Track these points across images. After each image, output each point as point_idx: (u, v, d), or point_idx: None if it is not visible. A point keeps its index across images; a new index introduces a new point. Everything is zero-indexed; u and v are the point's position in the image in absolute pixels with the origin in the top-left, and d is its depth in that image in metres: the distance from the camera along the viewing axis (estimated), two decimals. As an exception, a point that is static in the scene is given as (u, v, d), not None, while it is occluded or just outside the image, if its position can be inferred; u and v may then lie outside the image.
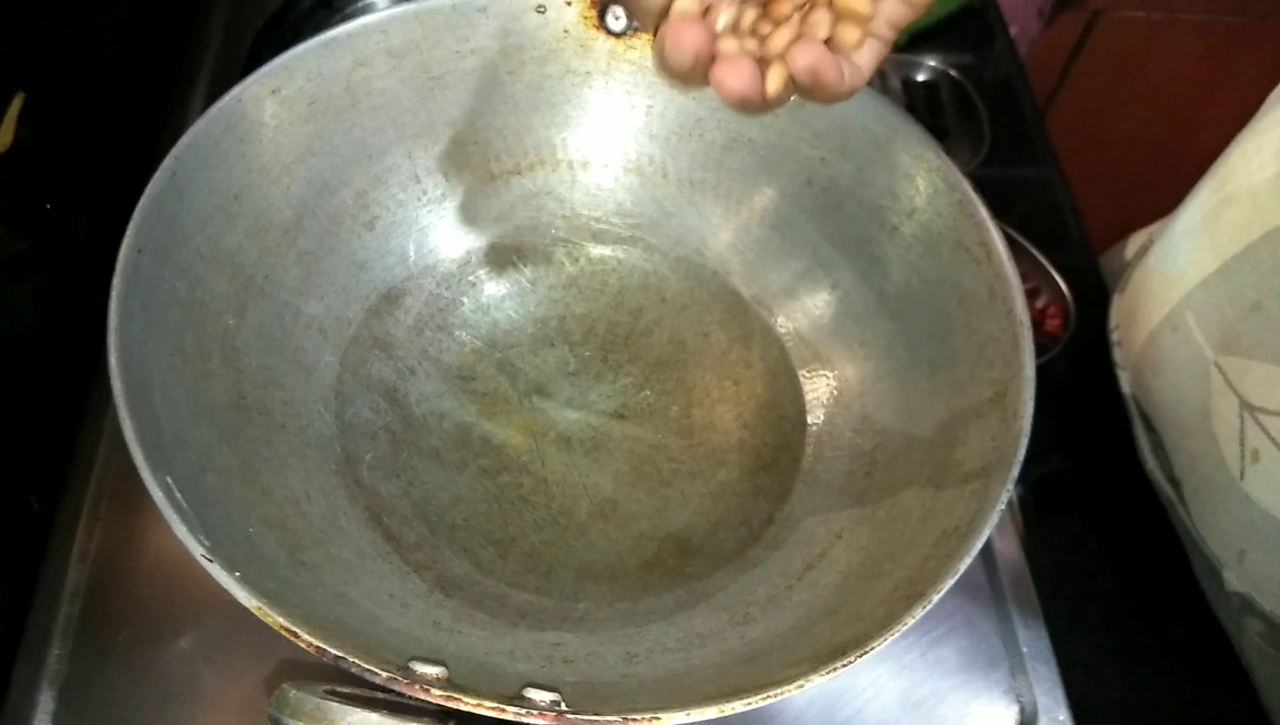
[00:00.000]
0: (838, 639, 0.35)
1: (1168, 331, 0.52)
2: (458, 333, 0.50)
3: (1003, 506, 0.36)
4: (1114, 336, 0.60)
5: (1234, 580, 0.49)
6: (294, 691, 0.28)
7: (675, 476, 0.46)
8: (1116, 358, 0.59)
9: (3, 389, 0.47)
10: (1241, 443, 0.46)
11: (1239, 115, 0.53)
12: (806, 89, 0.32)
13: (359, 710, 0.27)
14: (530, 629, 0.40)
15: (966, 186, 0.44)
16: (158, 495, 0.32)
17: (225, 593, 0.31)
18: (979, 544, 0.35)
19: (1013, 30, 0.91)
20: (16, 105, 0.49)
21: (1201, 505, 0.50)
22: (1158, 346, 0.53)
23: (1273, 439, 0.44)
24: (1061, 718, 0.46)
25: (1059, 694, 0.46)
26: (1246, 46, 1.01)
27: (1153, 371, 0.53)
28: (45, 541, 0.48)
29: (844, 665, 0.32)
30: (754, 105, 0.32)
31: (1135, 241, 0.65)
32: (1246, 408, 0.45)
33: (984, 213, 0.43)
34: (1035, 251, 0.72)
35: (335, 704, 0.27)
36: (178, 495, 0.33)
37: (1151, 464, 0.55)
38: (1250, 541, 0.47)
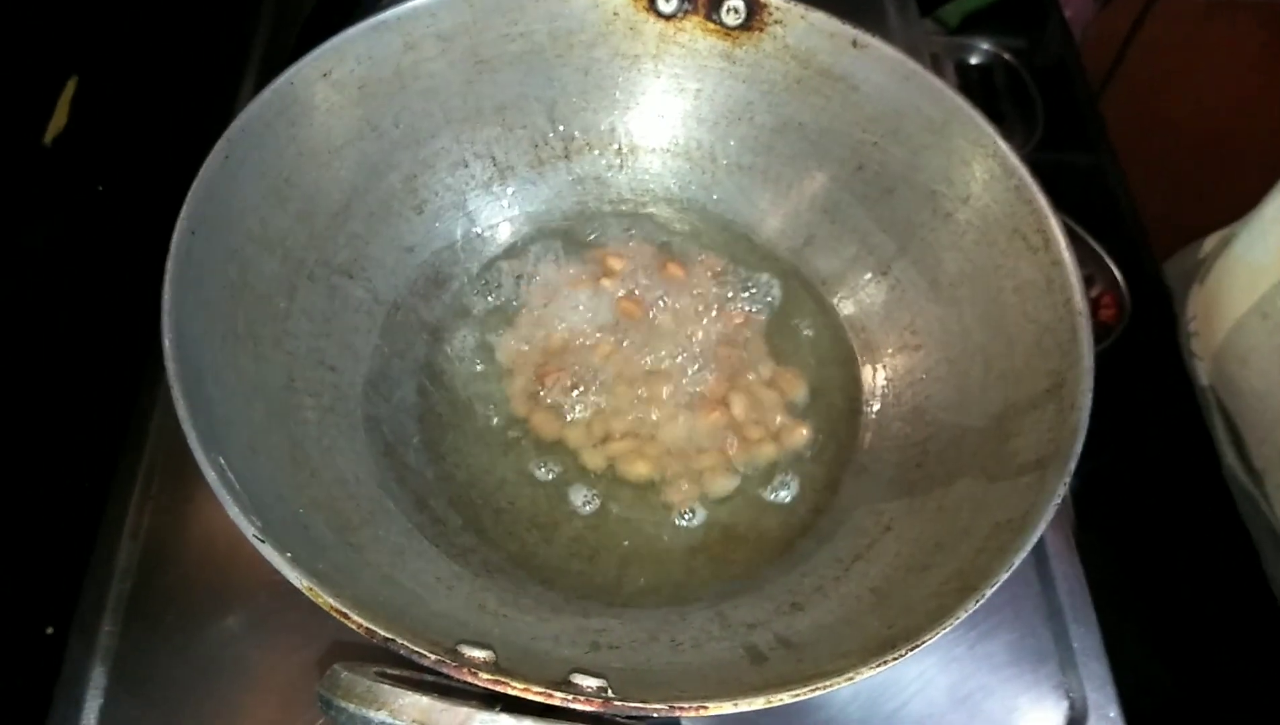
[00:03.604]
0: (887, 631, 0.35)
1: (1257, 319, 0.51)
2: (504, 316, 0.50)
3: (1059, 500, 0.35)
4: (1191, 327, 0.58)
5: None
6: (345, 673, 0.28)
7: (721, 463, 0.46)
8: (1194, 348, 0.58)
9: (56, 371, 0.48)
10: None
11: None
12: None
13: (410, 693, 0.27)
14: (575, 614, 0.40)
15: (1024, 172, 0.43)
16: (211, 476, 0.32)
17: (274, 573, 0.31)
18: (1034, 537, 0.34)
19: (1067, 13, 0.89)
20: (70, 89, 0.50)
21: None
22: (1244, 335, 0.52)
23: None
24: (1112, 714, 0.45)
25: (1110, 690, 0.45)
26: (1309, 31, 0.98)
27: (1239, 361, 0.52)
28: (98, 520, 0.49)
29: (895, 659, 0.32)
30: None
31: (1210, 242, 0.63)
32: None
33: (1042, 200, 0.42)
34: (1090, 239, 0.71)
35: (386, 686, 0.27)
36: (230, 476, 0.33)
37: (1231, 457, 0.54)
38: None
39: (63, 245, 0.50)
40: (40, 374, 0.47)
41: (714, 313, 0.50)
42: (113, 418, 0.52)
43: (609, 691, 0.30)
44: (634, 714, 0.30)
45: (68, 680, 0.44)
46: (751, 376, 0.48)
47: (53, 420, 0.48)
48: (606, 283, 0.50)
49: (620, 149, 0.52)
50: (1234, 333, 0.52)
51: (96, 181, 0.52)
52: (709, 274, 0.51)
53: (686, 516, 0.44)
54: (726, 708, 0.30)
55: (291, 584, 0.31)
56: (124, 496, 0.49)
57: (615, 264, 0.51)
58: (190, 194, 0.38)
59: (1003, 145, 0.44)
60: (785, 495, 0.45)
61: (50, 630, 0.45)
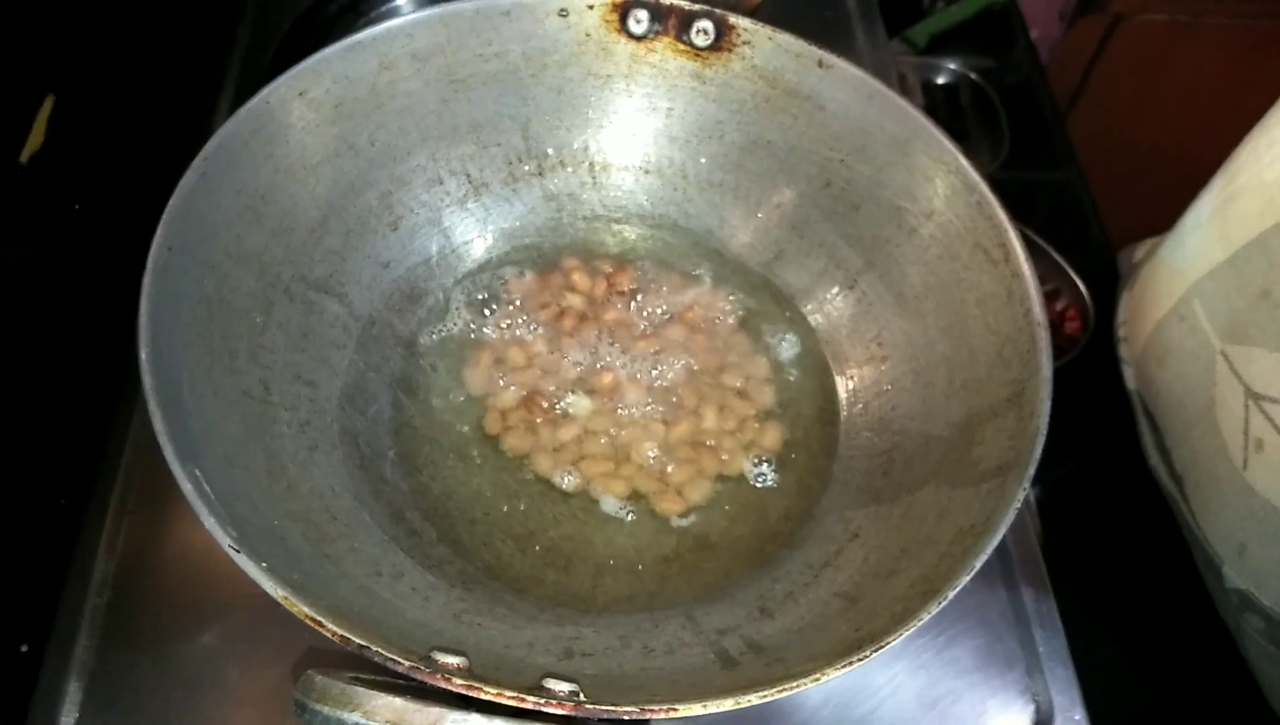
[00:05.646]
0: (854, 635, 0.35)
1: (1175, 321, 0.52)
2: (479, 331, 0.50)
3: (1019, 505, 0.36)
4: (1120, 332, 0.60)
5: (1234, 576, 0.48)
6: (319, 677, 0.29)
7: (693, 474, 0.47)
8: (1122, 353, 0.59)
9: (34, 386, 0.48)
10: (1245, 432, 0.46)
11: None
12: None
13: (383, 694, 0.27)
14: (549, 622, 0.40)
15: (984, 188, 0.44)
16: (187, 487, 0.33)
17: (251, 585, 0.31)
18: (995, 541, 0.35)
19: (1034, 33, 0.91)
20: (47, 108, 0.50)
21: (1203, 499, 0.50)
22: (1164, 337, 0.53)
23: (1277, 428, 0.44)
24: (1077, 717, 0.46)
25: (1075, 693, 0.46)
26: (1272, 50, 1.00)
27: (1158, 363, 0.53)
28: (75, 535, 0.49)
29: (859, 660, 0.32)
30: None
31: (1144, 247, 0.65)
32: (1252, 396, 0.45)
33: (1002, 214, 0.43)
34: (1055, 254, 0.72)
35: (360, 689, 0.28)
36: (206, 488, 0.33)
37: (1155, 460, 0.55)
38: (1251, 534, 0.47)
39: (39, 263, 0.50)
40: (17, 389, 0.47)
41: (685, 326, 0.51)
42: (89, 433, 0.52)
43: (581, 696, 0.31)
44: (606, 717, 0.31)
45: (44, 695, 0.44)
46: (722, 388, 0.49)
47: (29, 435, 0.48)
48: (578, 298, 0.51)
49: (593, 166, 0.53)
50: (1154, 335, 0.54)
51: (73, 200, 0.52)
52: (680, 289, 0.52)
53: (660, 526, 0.45)
54: (696, 709, 0.31)
55: (268, 595, 0.31)
56: (100, 511, 0.49)
57: (587, 280, 0.51)
58: (167, 211, 0.39)
59: (964, 162, 0.45)
60: (756, 504, 0.46)
61: (25, 648, 0.45)
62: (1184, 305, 0.51)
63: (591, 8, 0.49)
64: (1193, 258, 0.51)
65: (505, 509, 0.45)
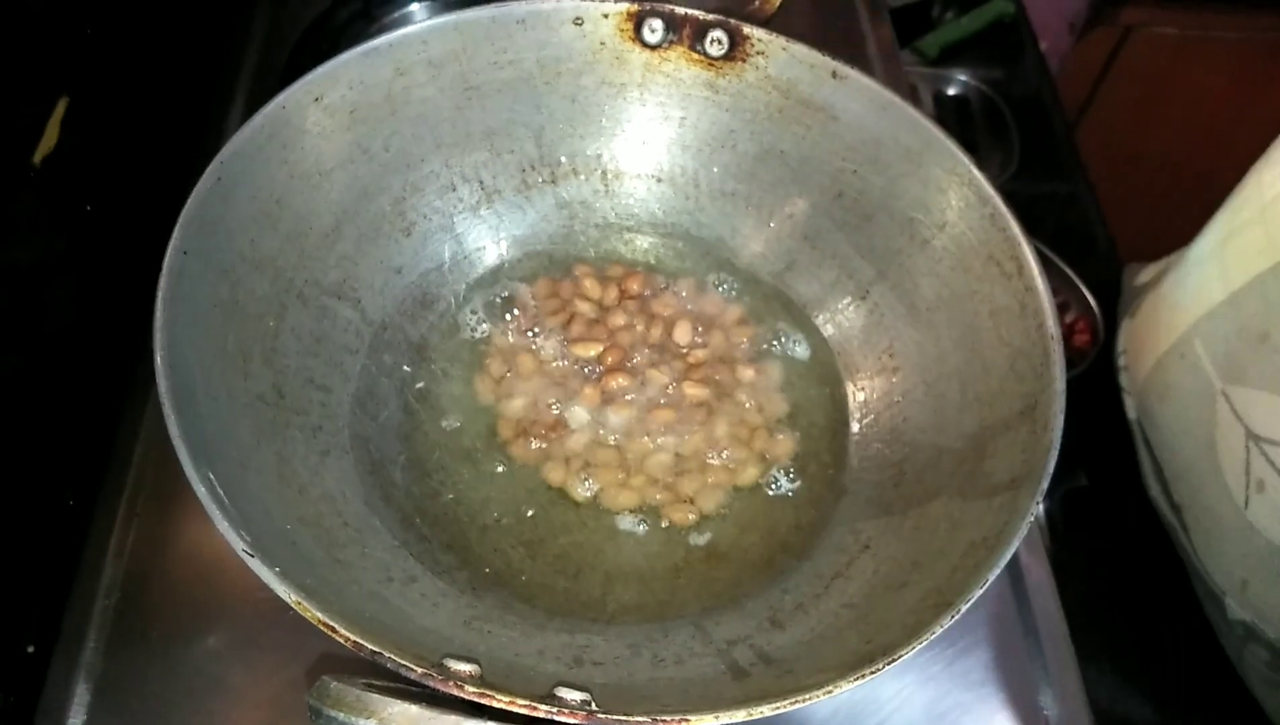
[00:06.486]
0: (865, 647, 0.35)
1: (1175, 359, 0.52)
2: (490, 338, 0.50)
3: (1031, 519, 0.36)
4: (1121, 361, 0.60)
5: (1237, 608, 0.48)
6: (334, 683, 0.28)
7: (705, 484, 0.47)
8: (1123, 383, 0.59)
9: (43, 388, 0.48)
10: (1247, 473, 0.46)
11: (1272, 133, 0.53)
12: None
13: (399, 701, 0.27)
14: (559, 630, 0.40)
15: (998, 200, 0.44)
16: (201, 491, 0.33)
17: (259, 589, 0.31)
18: (1007, 555, 0.35)
19: (1043, 45, 0.91)
20: (60, 110, 0.50)
21: (1204, 534, 0.50)
22: (1165, 373, 0.53)
23: (1278, 470, 0.44)
24: (1086, 732, 0.46)
25: (1083, 709, 0.46)
26: (1280, 64, 1.00)
27: (1159, 398, 0.53)
28: (83, 537, 0.49)
29: (871, 673, 0.32)
30: None
31: (1149, 272, 0.65)
32: (1253, 438, 0.45)
33: (1016, 227, 0.43)
34: (1064, 266, 0.72)
35: (376, 695, 0.28)
36: (220, 491, 0.33)
37: (1155, 491, 0.55)
38: (1254, 572, 0.46)
39: (50, 264, 0.50)
40: (26, 390, 0.47)
41: (696, 336, 0.51)
42: (98, 435, 0.52)
43: (593, 705, 0.31)
44: (616, 727, 0.31)
45: (51, 696, 0.44)
46: (733, 398, 0.49)
47: (38, 437, 0.48)
48: (589, 306, 0.51)
49: (606, 175, 0.53)
50: (1155, 370, 0.53)
51: (85, 202, 0.52)
52: (692, 298, 0.52)
53: (670, 535, 0.45)
54: (707, 720, 0.31)
55: (277, 600, 0.31)
56: (109, 513, 0.49)
57: (598, 288, 0.51)
58: (183, 215, 0.39)
59: (977, 174, 0.45)
60: (766, 514, 0.46)
61: (31, 649, 0.45)
62: (1185, 343, 0.51)
63: (606, 17, 0.49)
64: (1194, 294, 0.51)
65: (515, 515, 0.45)
